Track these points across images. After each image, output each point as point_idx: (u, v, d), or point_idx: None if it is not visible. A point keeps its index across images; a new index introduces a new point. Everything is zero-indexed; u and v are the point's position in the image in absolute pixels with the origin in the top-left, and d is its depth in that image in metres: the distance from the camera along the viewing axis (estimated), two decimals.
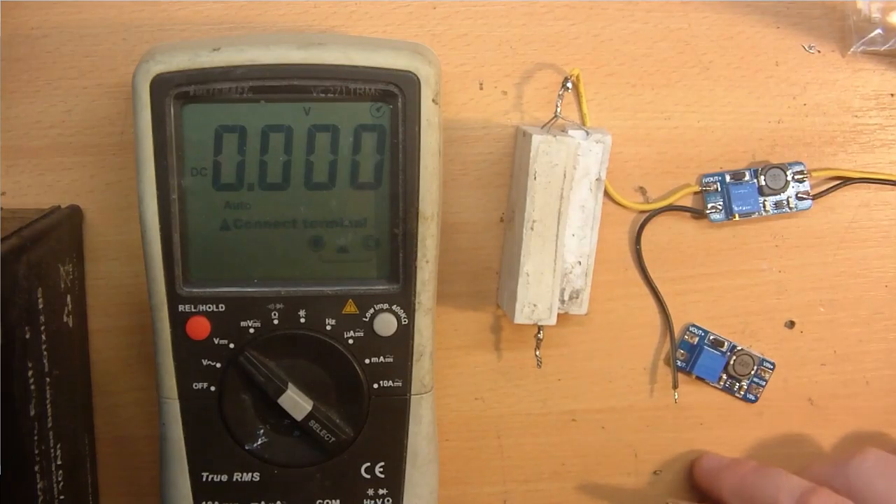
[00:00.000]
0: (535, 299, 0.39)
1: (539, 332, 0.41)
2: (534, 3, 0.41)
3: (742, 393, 0.44)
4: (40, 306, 0.36)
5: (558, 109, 0.40)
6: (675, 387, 0.43)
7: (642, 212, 0.42)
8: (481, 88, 0.41)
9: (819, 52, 0.43)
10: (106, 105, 0.40)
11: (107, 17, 0.40)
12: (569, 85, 0.40)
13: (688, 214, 0.43)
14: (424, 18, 0.41)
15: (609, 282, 0.43)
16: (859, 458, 0.40)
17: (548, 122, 0.40)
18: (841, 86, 0.43)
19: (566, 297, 0.40)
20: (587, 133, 0.39)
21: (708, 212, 0.42)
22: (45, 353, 0.36)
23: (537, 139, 0.37)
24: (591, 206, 0.39)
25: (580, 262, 0.40)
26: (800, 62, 0.43)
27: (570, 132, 0.39)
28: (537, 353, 0.42)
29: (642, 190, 0.42)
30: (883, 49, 0.42)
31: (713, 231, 0.43)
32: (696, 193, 0.43)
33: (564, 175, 0.38)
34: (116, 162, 0.40)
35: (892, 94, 0.43)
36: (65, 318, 0.39)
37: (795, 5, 0.42)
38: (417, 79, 0.35)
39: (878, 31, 0.41)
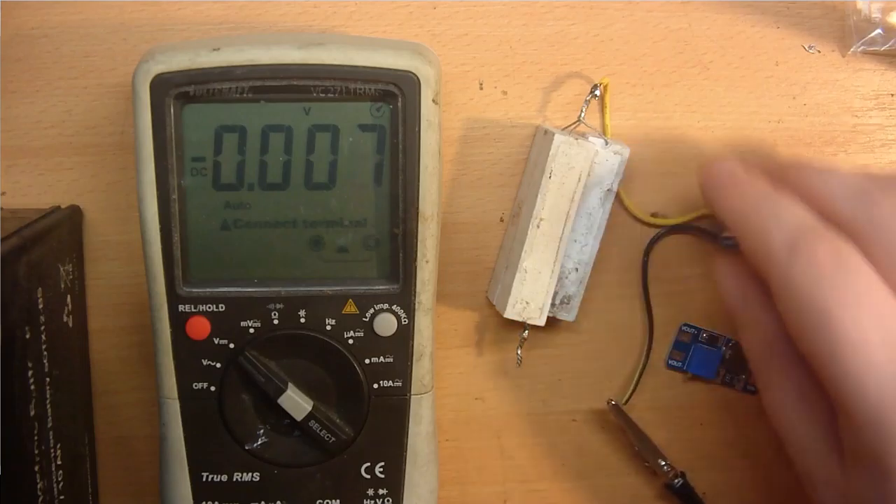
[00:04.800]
0: (529, 297, 0.39)
1: (524, 332, 0.41)
2: (534, 3, 0.41)
3: (742, 385, 0.44)
4: (40, 306, 0.36)
5: (582, 115, 0.40)
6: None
7: (654, 226, 0.42)
8: (481, 88, 0.41)
9: (819, 52, 0.43)
10: (106, 105, 0.40)
11: (107, 17, 0.40)
12: (597, 92, 0.40)
13: (699, 235, 0.43)
14: (424, 18, 0.41)
15: (612, 282, 0.43)
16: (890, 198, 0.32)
17: (570, 125, 0.40)
18: (841, 86, 0.43)
19: (557, 301, 0.40)
20: (606, 143, 0.39)
21: (723, 237, 0.42)
22: (45, 353, 0.36)
23: (559, 139, 0.37)
24: (598, 216, 0.40)
25: (577, 269, 0.40)
26: (800, 62, 0.43)
27: (591, 139, 0.39)
28: (519, 351, 0.42)
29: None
30: (883, 49, 0.42)
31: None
32: (710, 217, 0.42)
33: (579, 179, 0.38)
34: (116, 162, 0.40)
35: (892, 94, 0.43)
36: (65, 318, 0.39)
37: (795, 5, 0.42)
38: (417, 79, 0.35)
39: (878, 31, 0.41)
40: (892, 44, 0.41)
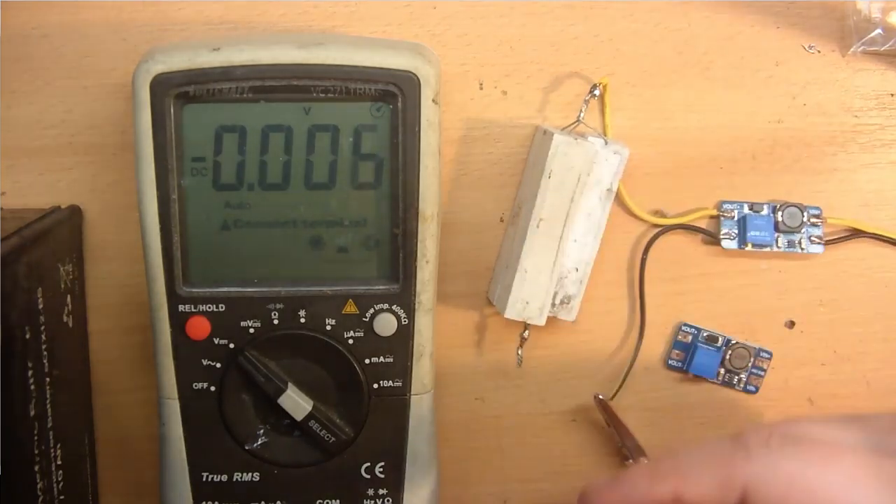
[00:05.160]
0: (529, 297, 0.39)
1: (525, 332, 0.41)
2: (534, 3, 0.41)
3: (742, 385, 0.44)
4: (40, 306, 0.36)
5: (582, 115, 0.40)
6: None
7: (655, 225, 0.42)
8: (481, 88, 0.41)
9: (819, 52, 0.43)
10: (106, 105, 0.40)
11: (107, 17, 0.40)
12: (596, 92, 0.40)
13: (699, 235, 0.43)
14: (424, 18, 0.41)
15: (612, 282, 0.43)
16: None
17: (569, 125, 0.41)
18: (841, 86, 0.43)
19: (557, 301, 0.40)
20: (606, 142, 0.39)
21: (721, 237, 0.42)
22: (45, 353, 0.36)
23: (558, 139, 0.38)
24: (598, 216, 0.40)
25: (577, 269, 0.40)
26: (800, 62, 0.43)
27: (590, 139, 0.39)
28: (519, 351, 0.42)
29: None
30: (883, 49, 0.42)
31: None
32: (711, 217, 0.43)
33: (578, 179, 0.38)
34: (116, 162, 0.40)
35: (892, 94, 0.43)
36: (65, 318, 0.39)
37: (795, 5, 0.42)
38: (417, 79, 0.35)
39: (878, 31, 0.41)
40: (892, 44, 0.41)
